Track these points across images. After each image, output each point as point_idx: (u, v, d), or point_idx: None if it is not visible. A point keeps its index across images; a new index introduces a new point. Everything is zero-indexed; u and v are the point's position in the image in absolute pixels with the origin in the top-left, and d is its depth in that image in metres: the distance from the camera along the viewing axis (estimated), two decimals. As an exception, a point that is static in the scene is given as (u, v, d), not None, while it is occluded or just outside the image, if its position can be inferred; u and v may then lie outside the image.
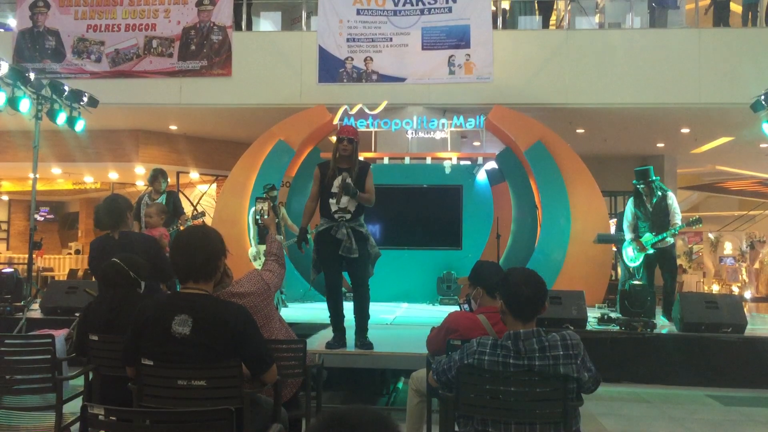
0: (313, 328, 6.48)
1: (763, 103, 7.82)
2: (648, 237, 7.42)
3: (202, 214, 8.11)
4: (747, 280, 17.17)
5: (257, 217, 4.25)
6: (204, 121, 12.16)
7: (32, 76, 7.87)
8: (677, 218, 7.33)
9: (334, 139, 5.51)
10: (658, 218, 7.39)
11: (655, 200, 7.44)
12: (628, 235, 7.68)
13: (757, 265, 16.29)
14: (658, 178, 7.68)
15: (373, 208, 5.39)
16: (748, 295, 15.65)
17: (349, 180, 5.10)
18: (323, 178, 5.23)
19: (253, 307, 3.14)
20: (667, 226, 7.31)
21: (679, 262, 12.54)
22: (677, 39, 10.26)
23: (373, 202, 5.24)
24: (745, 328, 6.54)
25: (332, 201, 5.17)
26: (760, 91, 7.93)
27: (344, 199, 5.14)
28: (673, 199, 7.46)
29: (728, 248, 18.63)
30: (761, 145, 12.40)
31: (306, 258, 6.47)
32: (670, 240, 7.41)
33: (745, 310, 7.48)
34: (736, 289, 16.60)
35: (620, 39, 10.48)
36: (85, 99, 8.80)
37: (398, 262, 9.58)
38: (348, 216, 5.15)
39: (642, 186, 7.53)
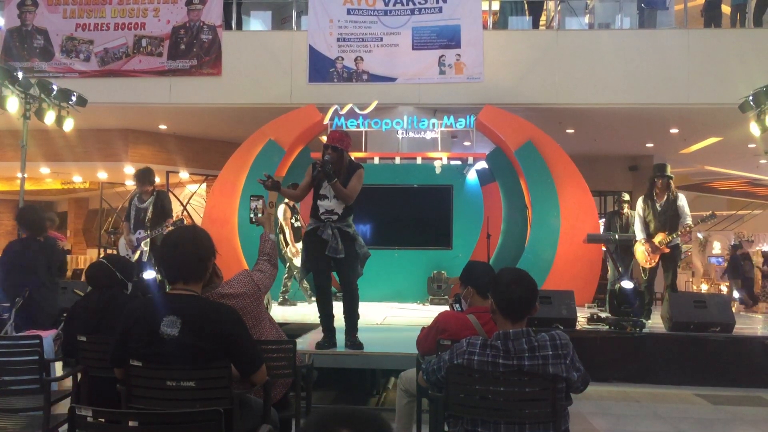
0: (303, 328, 6.48)
1: (751, 103, 7.88)
2: (659, 238, 7.31)
3: (182, 221, 8.07)
4: (735, 280, 17.26)
5: (251, 215, 4.20)
6: (194, 121, 12.10)
7: (20, 75, 7.83)
8: (688, 219, 7.23)
9: (324, 139, 5.50)
10: (667, 219, 7.28)
11: (665, 200, 7.35)
12: (639, 235, 7.50)
13: (745, 265, 16.38)
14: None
15: (364, 207, 5.38)
16: (736, 294, 15.75)
17: (329, 165, 5.05)
18: (313, 177, 5.23)
19: (243, 308, 3.12)
20: (677, 227, 7.21)
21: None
22: (666, 40, 10.30)
23: (350, 200, 5.17)
24: (733, 328, 6.59)
25: (320, 203, 5.16)
26: (748, 91, 7.99)
27: (332, 202, 5.14)
28: (683, 201, 7.35)
29: (717, 248, 18.78)
30: (749, 146, 12.48)
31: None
32: (681, 240, 7.34)
33: (733, 309, 7.53)
34: (724, 289, 16.72)
35: (610, 39, 10.52)
36: (74, 98, 8.76)
37: (388, 261, 9.59)
38: (335, 218, 5.15)
39: (658, 179, 7.40)
